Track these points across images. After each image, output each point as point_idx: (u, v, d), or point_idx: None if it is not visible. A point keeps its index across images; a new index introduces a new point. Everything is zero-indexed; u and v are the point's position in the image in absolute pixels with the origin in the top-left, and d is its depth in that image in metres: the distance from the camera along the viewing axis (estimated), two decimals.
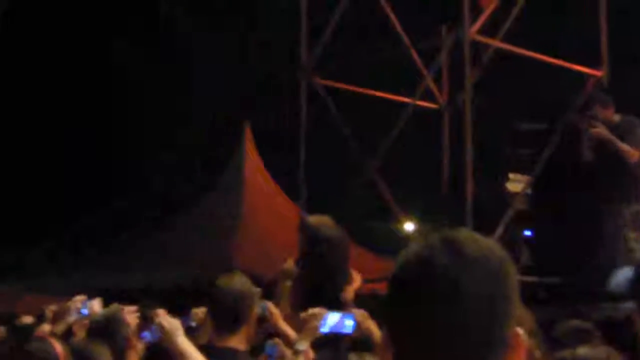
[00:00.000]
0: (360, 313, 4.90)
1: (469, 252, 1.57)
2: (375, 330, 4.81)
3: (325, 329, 4.89)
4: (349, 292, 5.94)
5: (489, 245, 1.62)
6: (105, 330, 4.79)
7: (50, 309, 5.73)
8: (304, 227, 6.44)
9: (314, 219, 6.54)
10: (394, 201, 13.62)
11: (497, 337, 1.53)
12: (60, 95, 22.77)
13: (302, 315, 4.86)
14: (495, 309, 1.55)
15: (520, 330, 1.56)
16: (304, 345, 4.81)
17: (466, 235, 1.61)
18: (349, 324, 4.85)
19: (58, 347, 4.29)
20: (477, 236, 1.62)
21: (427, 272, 1.56)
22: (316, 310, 4.90)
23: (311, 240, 6.23)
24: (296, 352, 4.85)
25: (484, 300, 1.53)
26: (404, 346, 1.55)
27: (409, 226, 17.03)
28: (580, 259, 10.60)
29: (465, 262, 1.56)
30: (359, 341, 4.99)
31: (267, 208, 16.02)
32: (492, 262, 1.58)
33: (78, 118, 22.53)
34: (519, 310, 1.57)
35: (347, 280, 6.25)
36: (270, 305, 5.66)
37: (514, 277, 1.63)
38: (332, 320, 4.84)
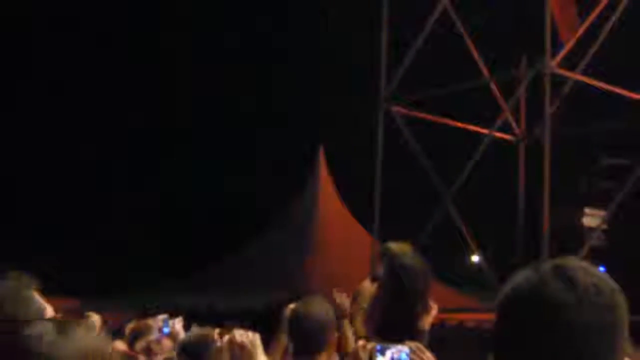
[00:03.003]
0: (415, 344, 4.77)
1: (581, 282, 1.58)
2: None
3: None
4: (427, 322, 5.88)
5: (601, 275, 1.62)
6: (196, 350, 4.83)
7: (130, 326, 5.81)
8: (385, 254, 6.42)
9: (395, 246, 6.51)
10: (468, 232, 13.55)
11: None
12: None
13: (352, 347, 4.75)
14: (605, 339, 1.55)
15: None
16: None
17: (577, 264, 1.62)
18: (402, 356, 4.73)
19: None
20: (589, 266, 1.63)
21: (538, 300, 1.57)
22: (362, 342, 4.78)
23: (392, 267, 6.21)
24: None
25: (594, 330, 1.54)
26: None
27: (476, 258, 16.92)
28: None
29: (577, 291, 1.56)
30: None
31: (340, 236, 16.06)
32: (603, 293, 1.58)
33: None
34: (627, 344, 1.57)
35: (426, 309, 6.20)
36: (346, 328, 5.65)
37: (625, 309, 1.61)
38: (385, 352, 4.73)
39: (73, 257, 19.59)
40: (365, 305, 6.44)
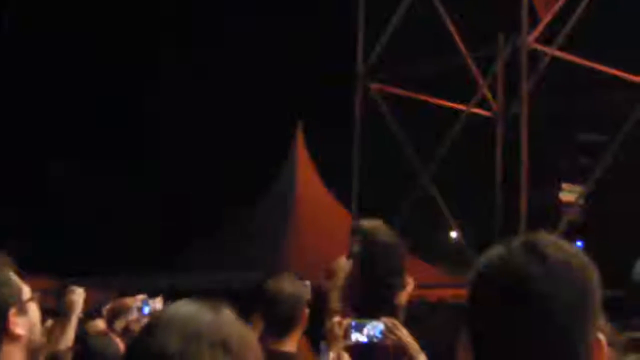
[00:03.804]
0: (390, 320, 4.79)
1: (551, 256, 1.59)
2: (407, 339, 4.68)
3: (356, 338, 4.74)
4: (403, 297, 5.90)
5: (572, 250, 1.63)
6: None
7: (108, 307, 5.81)
8: (358, 231, 6.42)
9: (368, 223, 6.52)
10: (446, 209, 13.60)
11: (577, 341, 1.55)
12: None
13: (328, 324, 4.76)
14: (576, 313, 1.56)
15: (602, 337, 1.57)
16: (331, 356, 4.62)
17: (548, 239, 1.63)
18: (377, 332, 4.74)
19: (119, 344, 4.37)
20: (560, 241, 1.64)
21: (507, 273, 1.59)
22: (338, 318, 4.79)
23: (366, 243, 6.22)
24: None
25: (564, 304, 1.55)
26: (483, 347, 1.59)
27: (454, 234, 17.00)
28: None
29: (547, 265, 1.58)
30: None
31: (319, 214, 16.07)
32: (574, 267, 1.59)
33: None
34: (600, 317, 1.58)
35: (402, 285, 6.22)
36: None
37: (597, 284, 1.62)
38: (361, 329, 4.73)
39: (45, 240, 19.55)
40: (340, 282, 6.47)
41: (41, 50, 23.02)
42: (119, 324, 5.24)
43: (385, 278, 6.19)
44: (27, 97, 22.74)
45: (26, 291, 2.41)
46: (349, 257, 6.91)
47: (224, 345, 2.12)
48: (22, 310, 2.35)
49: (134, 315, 5.39)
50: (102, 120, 23.23)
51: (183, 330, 2.08)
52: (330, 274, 6.79)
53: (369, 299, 6.13)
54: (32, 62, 22.80)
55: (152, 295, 5.53)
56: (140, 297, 5.46)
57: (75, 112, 23.21)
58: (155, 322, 2.06)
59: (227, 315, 2.24)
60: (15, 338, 2.31)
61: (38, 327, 2.44)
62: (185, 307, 2.20)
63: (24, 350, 2.35)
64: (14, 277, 2.41)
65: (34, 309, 2.42)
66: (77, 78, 22.79)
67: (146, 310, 5.36)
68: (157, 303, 5.38)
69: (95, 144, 22.51)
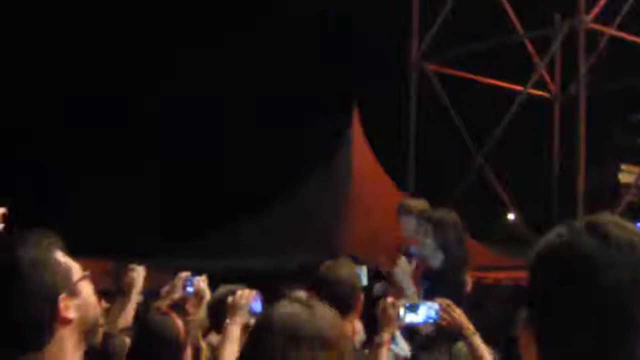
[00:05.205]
0: (444, 301, 4.77)
1: (615, 237, 1.57)
2: (462, 319, 4.66)
3: (410, 319, 4.71)
4: (469, 280, 5.95)
5: (636, 231, 1.61)
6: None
7: (166, 288, 5.87)
8: (429, 219, 6.46)
9: (437, 212, 6.57)
10: (503, 190, 13.52)
11: (637, 322, 1.56)
12: None
13: (381, 304, 4.73)
14: (637, 293, 1.55)
15: None
16: (385, 337, 4.61)
17: (611, 220, 1.62)
18: (432, 313, 4.72)
19: (179, 322, 4.40)
20: (623, 221, 1.63)
21: (570, 255, 1.58)
22: (391, 299, 4.78)
23: (438, 233, 6.30)
24: (378, 345, 4.59)
25: (627, 286, 1.54)
26: (543, 329, 1.60)
27: (511, 216, 16.86)
28: None
29: (611, 246, 1.56)
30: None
31: (375, 196, 16.04)
32: (637, 247, 1.57)
33: None
34: None
35: (467, 263, 6.28)
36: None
37: None
38: (415, 310, 4.71)
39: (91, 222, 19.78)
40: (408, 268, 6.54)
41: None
42: (165, 302, 5.28)
43: (455, 263, 6.28)
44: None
45: (77, 270, 2.36)
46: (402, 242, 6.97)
47: (321, 340, 2.43)
48: (73, 292, 2.31)
49: (179, 293, 5.43)
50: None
51: (283, 332, 2.40)
52: (390, 262, 6.87)
53: (437, 280, 6.21)
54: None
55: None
56: (184, 274, 5.49)
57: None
58: (260, 325, 2.47)
59: (320, 310, 2.53)
60: (67, 322, 2.28)
61: (93, 306, 2.37)
62: (283, 309, 2.51)
63: (77, 332, 2.32)
64: (62, 257, 2.35)
65: (87, 288, 2.36)
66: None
67: (190, 289, 5.37)
68: (202, 282, 5.39)
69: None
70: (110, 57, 23.45)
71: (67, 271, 2.31)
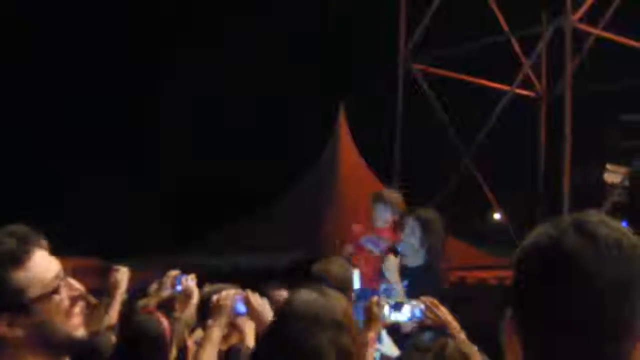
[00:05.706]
0: (429, 300, 4.74)
1: (601, 236, 1.56)
2: (447, 317, 4.65)
3: (396, 317, 4.67)
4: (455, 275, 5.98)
5: (622, 230, 1.60)
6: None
7: (154, 286, 5.84)
8: (415, 218, 6.48)
9: (424, 212, 6.59)
10: (488, 189, 13.54)
11: (629, 322, 1.53)
12: None
13: (366, 304, 4.71)
14: (625, 294, 1.53)
15: None
16: (370, 335, 4.55)
17: (598, 218, 1.60)
18: (417, 312, 4.69)
19: (164, 321, 4.40)
20: (610, 220, 1.61)
21: (556, 253, 1.56)
22: (376, 298, 4.75)
23: (425, 232, 6.31)
24: (362, 344, 4.52)
25: (613, 285, 1.52)
26: (531, 328, 1.58)
27: (497, 215, 16.88)
28: None
29: (597, 245, 1.55)
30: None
31: (362, 195, 16.03)
32: (624, 247, 1.56)
33: None
34: None
35: (445, 261, 6.31)
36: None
37: None
38: (400, 308, 4.68)
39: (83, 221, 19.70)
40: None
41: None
42: (152, 300, 5.25)
43: (435, 263, 6.30)
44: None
45: (50, 279, 2.25)
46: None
47: (337, 323, 2.76)
48: (27, 310, 2.21)
49: (167, 292, 5.39)
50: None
51: (305, 317, 2.72)
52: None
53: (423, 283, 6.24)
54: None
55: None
56: (174, 272, 5.46)
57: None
58: (283, 311, 2.81)
59: (335, 297, 2.87)
60: (12, 340, 2.19)
61: (63, 308, 2.27)
62: (303, 296, 2.85)
63: (38, 350, 2.23)
64: (40, 259, 2.26)
65: (49, 305, 2.25)
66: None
67: (179, 287, 5.33)
68: (190, 280, 5.36)
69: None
70: (110, 57, 23.41)
71: (21, 290, 2.18)
